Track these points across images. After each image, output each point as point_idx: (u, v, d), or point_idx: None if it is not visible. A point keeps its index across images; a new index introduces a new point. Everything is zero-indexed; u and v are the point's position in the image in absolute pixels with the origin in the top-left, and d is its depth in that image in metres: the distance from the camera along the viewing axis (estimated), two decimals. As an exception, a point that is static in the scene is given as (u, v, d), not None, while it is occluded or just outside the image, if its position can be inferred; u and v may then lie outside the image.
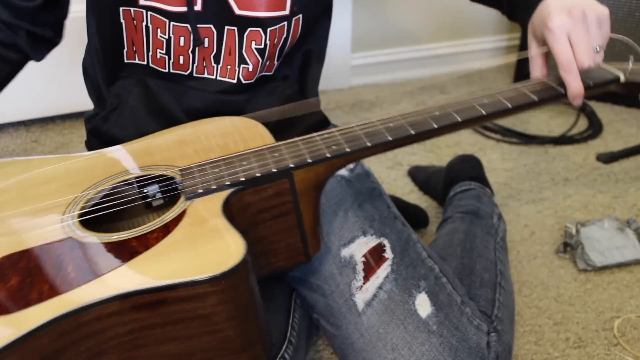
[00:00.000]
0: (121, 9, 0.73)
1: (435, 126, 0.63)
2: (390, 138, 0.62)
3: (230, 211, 0.58)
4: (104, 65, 0.81)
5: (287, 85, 0.84)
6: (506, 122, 1.60)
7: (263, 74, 0.80)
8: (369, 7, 1.76)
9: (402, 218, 0.80)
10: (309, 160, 0.60)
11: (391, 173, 1.38)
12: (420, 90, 1.85)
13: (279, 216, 0.62)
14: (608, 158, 1.42)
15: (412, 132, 0.63)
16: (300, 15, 0.78)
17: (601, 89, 0.71)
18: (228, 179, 0.59)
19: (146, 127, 0.79)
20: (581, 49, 0.66)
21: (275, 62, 0.80)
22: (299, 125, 0.85)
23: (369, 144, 0.62)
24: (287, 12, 0.75)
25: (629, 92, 0.74)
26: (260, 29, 0.75)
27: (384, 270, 0.70)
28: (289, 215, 0.62)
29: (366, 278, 0.70)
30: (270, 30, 0.75)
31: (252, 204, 0.60)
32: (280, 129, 0.83)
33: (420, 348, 0.65)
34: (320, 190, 0.65)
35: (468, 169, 1.21)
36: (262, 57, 0.77)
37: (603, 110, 1.64)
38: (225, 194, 0.58)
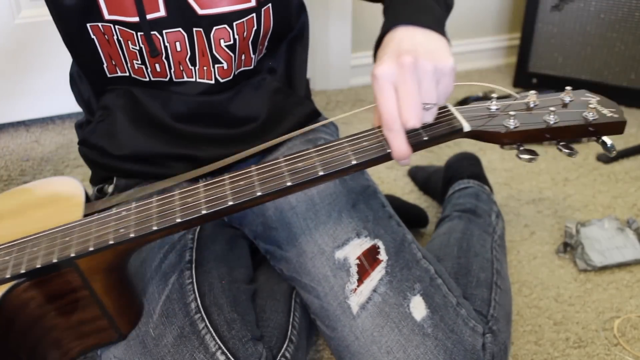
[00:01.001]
0: (88, 25, 0.71)
1: (232, 203, 0.57)
2: (179, 220, 0.57)
3: (10, 308, 0.55)
4: (88, 81, 0.81)
5: (274, 77, 0.83)
6: (506, 122, 1.60)
7: (242, 69, 0.79)
8: (369, 8, 1.76)
9: (397, 217, 0.79)
10: (91, 249, 0.56)
11: (391, 173, 1.38)
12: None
13: (74, 302, 0.59)
14: (608, 158, 1.42)
15: (205, 211, 0.57)
16: (270, 5, 0.75)
17: (444, 140, 0.60)
18: (10, 271, 0.56)
19: (134, 138, 0.79)
20: (406, 105, 0.54)
21: (252, 56, 0.79)
22: (290, 119, 0.84)
23: (155, 227, 0.56)
24: (253, 3, 0.73)
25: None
26: (225, 25, 0.73)
27: (378, 273, 0.70)
28: (84, 301, 0.59)
29: (360, 281, 0.69)
30: (236, 25, 0.73)
31: (38, 295, 0.57)
32: (271, 123, 0.83)
33: (415, 351, 0.64)
34: (118, 270, 0.61)
35: (466, 166, 1.21)
36: (234, 53, 0.76)
37: (603, 110, 1.64)
38: (4, 288, 0.55)
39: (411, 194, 1.30)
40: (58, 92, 1.52)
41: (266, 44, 0.80)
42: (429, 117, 0.57)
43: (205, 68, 0.76)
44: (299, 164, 0.58)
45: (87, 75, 0.80)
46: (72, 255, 0.56)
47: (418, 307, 0.67)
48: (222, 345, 0.63)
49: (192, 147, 0.79)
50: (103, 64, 0.76)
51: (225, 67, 0.76)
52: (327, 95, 1.78)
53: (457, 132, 0.60)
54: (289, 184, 0.57)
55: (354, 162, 0.57)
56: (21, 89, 1.50)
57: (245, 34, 0.75)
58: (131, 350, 0.63)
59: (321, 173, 0.57)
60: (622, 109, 0.62)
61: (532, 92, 0.62)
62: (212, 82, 0.77)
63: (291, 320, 0.77)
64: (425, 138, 0.58)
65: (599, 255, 1.07)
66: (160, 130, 0.79)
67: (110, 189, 0.84)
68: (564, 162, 1.42)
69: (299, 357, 0.74)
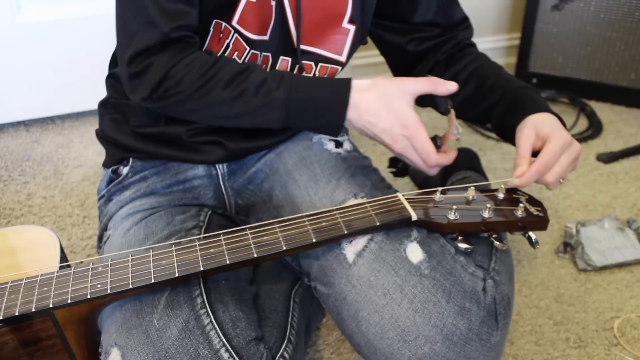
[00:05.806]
0: (215, 20, 0.75)
1: (202, 269, 0.64)
2: (153, 280, 0.62)
3: None
4: None
5: None
6: (506, 122, 1.60)
7: None
8: (369, 7, 1.76)
9: (395, 189, 0.81)
10: (69, 301, 0.60)
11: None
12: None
13: (46, 348, 0.63)
14: (608, 158, 1.42)
15: (177, 274, 0.63)
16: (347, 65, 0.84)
17: (394, 227, 0.69)
18: None
19: (169, 124, 0.81)
20: (557, 170, 0.71)
21: None
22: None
23: (131, 286, 0.62)
24: (343, 59, 0.82)
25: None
26: (312, 63, 0.80)
27: None
28: (56, 348, 0.64)
29: None
30: (320, 66, 0.81)
31: (12, 340, 0.61)
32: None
33: (412, 290, 0.64)
34: (89, 322, 0.66)
35: (465, 159, 1.21)
36: None
37: (603, 110, 1.64)
38: None
39: (411, 194, 1.30)
40: (58, 92, 1.52)
41: None
42: (556, 186, 0.71)
43: None
44: (264, 238, 0.66)
45: None
46: (50, 306, 0.60)
47: (414, 252, 0.68)
48: (226, 343, 0.64)
49: (220, 135, 0.81)
50: (203, 48, 0.79)
51: None
52: (327, 95, 1.78)
53: (407, 220, 0.68)
54: (255, 255, 0.64)
55: (314, 240, 0.65)
56: (21, 89, 1.50)
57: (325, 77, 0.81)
58: (133, 339, 0.63)
59: (284, 248, 0.65)
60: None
61: (472, 187, 0.72)
62: None
63: (290, 320, 0.78)
64: (377, 224, 0.67)
65: (599, 255, 1.07)
66: (194, 128, 0.81)
67: (124, 170, 0.85)
68: (564, 162, 1.42)
69: (297, 357, 0.74)
